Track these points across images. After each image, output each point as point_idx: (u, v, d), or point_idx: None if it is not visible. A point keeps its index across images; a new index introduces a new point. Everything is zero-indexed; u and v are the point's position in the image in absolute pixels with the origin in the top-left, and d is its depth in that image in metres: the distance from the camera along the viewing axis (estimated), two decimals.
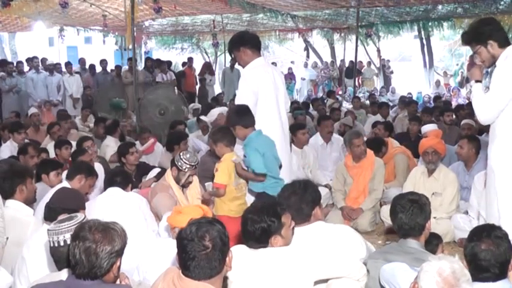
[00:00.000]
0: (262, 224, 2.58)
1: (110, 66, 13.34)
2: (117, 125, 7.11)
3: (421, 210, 2.87)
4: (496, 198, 3.45)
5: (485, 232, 2.42)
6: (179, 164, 4.03)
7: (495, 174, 3.44)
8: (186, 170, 4.03)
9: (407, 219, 2.86)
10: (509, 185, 3.38)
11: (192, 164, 4.04)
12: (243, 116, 4.00)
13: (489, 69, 3.46)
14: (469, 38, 3.52)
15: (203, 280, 2.12)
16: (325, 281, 2.73)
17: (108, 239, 2.14)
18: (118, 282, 2.27)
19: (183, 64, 15.06)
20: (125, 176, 4.07)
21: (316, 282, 2.68)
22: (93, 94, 11.63)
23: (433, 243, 3.33)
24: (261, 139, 3.99)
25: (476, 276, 2.35)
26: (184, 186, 4.14)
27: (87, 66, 13.25)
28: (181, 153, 4.11)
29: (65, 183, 3.93)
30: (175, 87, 10.58)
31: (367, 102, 11.78)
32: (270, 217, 2.59)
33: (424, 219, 2.88)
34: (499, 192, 3.42)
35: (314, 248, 2.78)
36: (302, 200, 2.98)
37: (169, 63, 13.69)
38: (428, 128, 5.84)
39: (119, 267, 2.21)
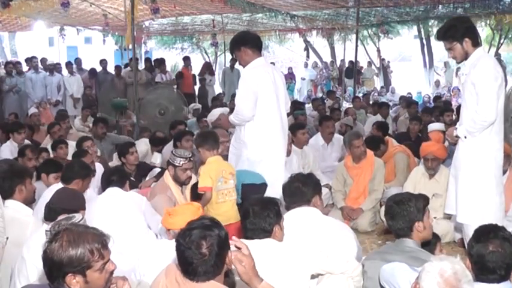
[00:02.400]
0: (268, 211, 2.73)
1: (110, 66, 13.33)
2: (164, 141, 6.43)
3: (403, 213, 2.90)
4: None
5: (492, 233, 2.42)
6: (173, 160, 4.06)
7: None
8: (182, 164, 4.03)
9: (392, 222, 2.94)
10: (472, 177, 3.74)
11: (186, 157, 4.05)
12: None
13: (462, 71, 3.78)
14: (445, 34, 3.74)
15: (201, 282, 2.14)
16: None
17: (63, 248, 1.97)
18: None
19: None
20: (121, 174, 4.03)
21: (313, 276, 2.75)
22: (94, 94, 11.63)
23: (431, 242, 3.34)
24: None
25: (481, 277, 2.36)
26: (184, 183, 4.14)
27: (83, 66, 13.21)
28: (173, 151, 4.16)
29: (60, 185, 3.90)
30: (175, 87, 10.60)
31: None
32: (273, 206, 2.78)
33: (408, 222, 2.89)
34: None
35: (307, 230, 3.01)
36: (304, 184, 3.24)
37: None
38: (434, 126, 5.73)
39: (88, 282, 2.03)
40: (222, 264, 2.17)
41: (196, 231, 2.14)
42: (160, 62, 12.40)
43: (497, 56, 15.78)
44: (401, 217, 2.90)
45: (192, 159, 4.16)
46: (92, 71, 12.67)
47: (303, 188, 3.23)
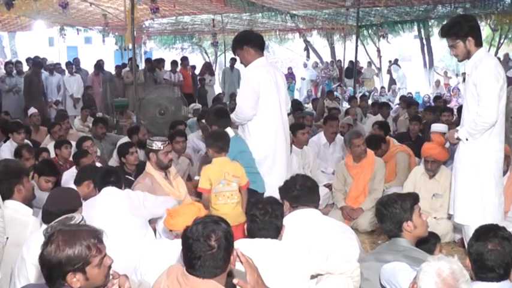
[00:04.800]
0: (280, 211, 2.83)
1: (110, 67, 13.30)
2: (137, 130, 6.63)
3: (389, 215, 2.93)
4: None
5: (492, 232, 2.42)
6: (153, 146, 4.19)
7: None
8: (163, 147, 4.18)
9: (382, 224, 3.01)
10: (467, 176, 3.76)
11: (164, 140, 4.26)
12: (220, 117, 4.25)
13: (465, 71, 3.80)
14: (449, 31, 3.69)
15: (208, 279, 2.14)
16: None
17: (60, 248, 1.99)
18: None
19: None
20: (118, 175, 3.97)
21: (313, 276, 2.76)
22: (95, 94, 11.59)
23: (431, 242, 3.34)
24: (237, 140, 4.26)
25: (481, 276, 2.36)
26: (168, 166, 4.27)
27: (83, 67, 13.16)
28: (149, 138, 4.41)
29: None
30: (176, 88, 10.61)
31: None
32: (281, 206, 2.90)
33: (395, 223, 2.91)
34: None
35: (310, 231, 3.05)
36: (317, 186, 3.32)
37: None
38: (437, 128, 5.60)
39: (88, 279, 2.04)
40: (228, 260, 2.17)
41: (205, 224, 2.16)
42: (173, 62, 12.51)
43: (506, 55, 15.74)
44: (388, 219, 2.93)
45: (169, 142, 4.37)
46: (98, 65, 12.25)
47: (317, 189, 3.31)
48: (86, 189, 3.85)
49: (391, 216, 2.92)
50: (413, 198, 3.01)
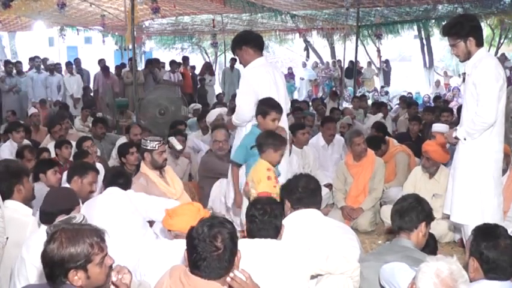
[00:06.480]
0: (280, 210, 2.82)
1: (110, 67, 13.28)
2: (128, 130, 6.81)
3: (418, 209, 2.95)
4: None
5: (497, 231, 2.44)
6: (147, 145, 4.20)
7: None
8: (158, 147, 4.21)
9: (403, 217, 2.95)
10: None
11: (158, 140, 4.29)
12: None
13: (465, 71, 3.78)
14: (450, 30, 3.69)
15: (212, 280, 2.14)
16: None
17: (64, 246, 2.00)
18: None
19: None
20: (128, 178, 4.01)
21: (313, 276, 2.76)
22: (100, 94, 11.57)
23: (430, 243, 3.35)
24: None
25: (492, 276, 2.36)
26: (162, 166, 4.29)
27: (83, 67, 13.15)
28: (144, 138, 4.44)
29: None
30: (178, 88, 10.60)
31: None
32: (280, 205, 2.91)
33: (418, 219, 2.94)
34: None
35: (311, 231, 3.04)
36: (317, 187, 3.28)
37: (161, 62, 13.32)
38: (438, 128, 5.63)
39: (90, 277, 2.05)
40: (233, 262, 2.18)
41: (211, 225, 2.16)
42: (172, 62, 12.46)
43: (502, 55, 15.71)
44: (416, 213, 2.93)
45: (164, 142, 4.38)
46: (105, 67, 12.10)
47: (320, 190, 3.32)
48: (76, 185, 3.82)
49: (421, 211, 2.94)
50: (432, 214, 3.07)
